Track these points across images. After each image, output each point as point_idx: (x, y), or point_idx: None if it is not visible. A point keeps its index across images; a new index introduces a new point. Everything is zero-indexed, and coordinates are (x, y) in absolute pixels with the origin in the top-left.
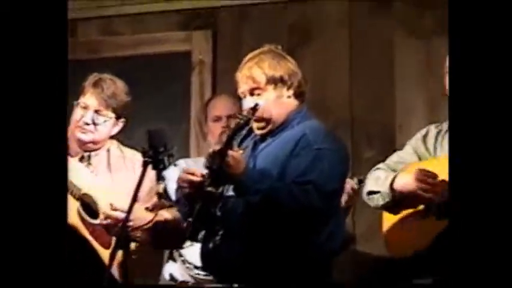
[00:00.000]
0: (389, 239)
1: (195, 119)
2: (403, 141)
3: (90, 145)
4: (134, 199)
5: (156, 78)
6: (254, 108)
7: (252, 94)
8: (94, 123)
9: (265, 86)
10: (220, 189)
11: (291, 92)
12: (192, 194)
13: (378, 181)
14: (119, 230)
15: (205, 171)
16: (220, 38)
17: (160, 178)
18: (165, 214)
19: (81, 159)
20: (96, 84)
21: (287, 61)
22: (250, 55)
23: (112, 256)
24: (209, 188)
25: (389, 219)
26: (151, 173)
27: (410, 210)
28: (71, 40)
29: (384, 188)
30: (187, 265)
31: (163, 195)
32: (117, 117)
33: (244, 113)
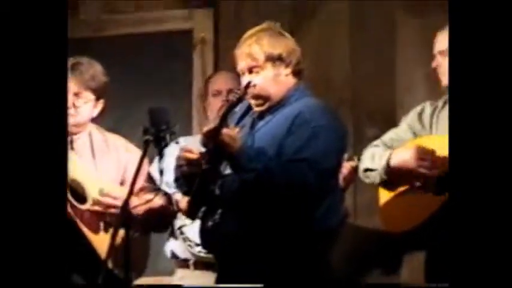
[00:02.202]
0: (386, 214)
1: (197, 97)
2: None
3: (73, 128)
4: (135, 179)
5: (157, 57)
6: (247, 86)
7: (250, 72)
8: (74, 106)
9: (264, 64)
10: (217, 168)
11: (289, 69)
12: (189, 172)
13: (374, 158)
14: (120, 211)
15: (202, 149)
16: (221, 15)
17: (161, 156)
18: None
19: None
20: (73, 68)
21: (286, 38)
22: (248, 32)
23: (113, 237)
24: (206, 166)
25: (385, 195)
26: (139, 157)
27: (406, 187)
28: (72, 19)
29: (381, 165)
30: (189, 243)
31: (162, 173)
32: (97, 99)
33: (238, 90)
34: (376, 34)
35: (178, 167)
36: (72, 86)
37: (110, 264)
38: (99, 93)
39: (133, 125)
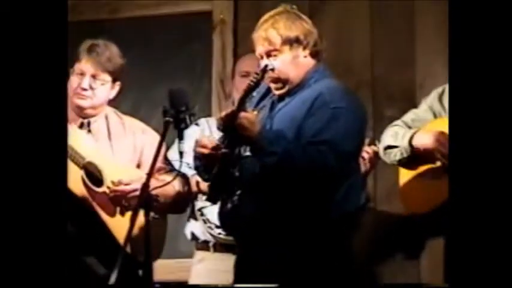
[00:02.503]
0: (406, 196)
1: (217, 78)
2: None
3: (89, 111)
4: (155, 161)
5: (177, 38)
6: (264, 70)
7: (268, 55)
8: (91, 88)
9: (281, 47)
10: (236, 151)
11: (307, 51)
12: (207, 163)
13: (397, 136)
14: (140, 193)
15: (219, 138)
16: None
17: (181, 137)
18: (168, 179)
19: (81, 126)
20: (90, 50)
21: (302, 21)
22: (265, 16)
23: (133, 220)
24: (224, 150)
25: (405, 176)
26: (156, 140)
27: (426, 168)
28: (91, 1)
29: (403, 143)
30: (209, 224)
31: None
32: (114, 81)
33: (256, 74)
34: (396, 16)
35: (195, 158)
36: (88, 68)
37: (128, 248)
38: (115, 75)
39: (152, 106)
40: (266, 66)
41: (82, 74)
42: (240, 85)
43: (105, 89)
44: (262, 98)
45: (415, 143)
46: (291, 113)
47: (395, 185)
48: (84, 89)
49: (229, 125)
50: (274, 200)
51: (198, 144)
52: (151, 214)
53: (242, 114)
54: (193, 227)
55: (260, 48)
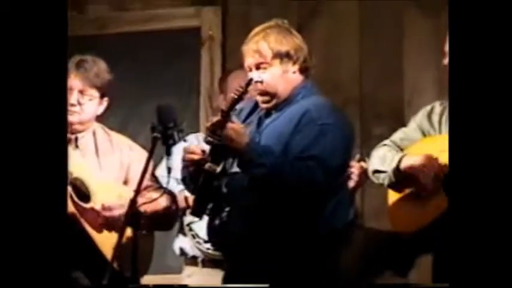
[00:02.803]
0: (394, 215)
1: (205, 94)
2: (411, 118)
3: (77, 126)
4: (142, 178)
5: (165, 54)
6: (248, 84)
7: (257, 68)
8: (79, 104)
9: (271, 61)
10: (221, 166)
11: (296, 67)
12: (194, 171)
13: (385, 160)
14: (127, 210)
15: (207, 148)
16: (229, 13)
17: (169, 153)
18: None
19: (68, 142)
20: (78, 66)
21: (293, 36)
22: (256, 29)
23: (120, 236)
24: (209, 165)
25: (394, 196)
26: (143, 156)
27: (414, 189)
28: (80, 16)
29: (391, 168)
30: (198, 239)
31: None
32: (101, 96)
33: (240, 88)
34: (384, 33)
35: (183, 167)
36: (76, 83)
37: (115, 264)
38: (103, 91)
39: (140, 122)
40: (251, 80)
41: (70, 89)
42: None
43: (93, 104)
44: (250, 113)
45: (402, 166)
46: (278, 129)
47: (383, 202)
48: (72, 105)
49: (216, 136)
50: (262, 216)
51: (186, 151)
52: (138, 232)
53: (229, 125)
54: (182, 243)
55: (250, 60)
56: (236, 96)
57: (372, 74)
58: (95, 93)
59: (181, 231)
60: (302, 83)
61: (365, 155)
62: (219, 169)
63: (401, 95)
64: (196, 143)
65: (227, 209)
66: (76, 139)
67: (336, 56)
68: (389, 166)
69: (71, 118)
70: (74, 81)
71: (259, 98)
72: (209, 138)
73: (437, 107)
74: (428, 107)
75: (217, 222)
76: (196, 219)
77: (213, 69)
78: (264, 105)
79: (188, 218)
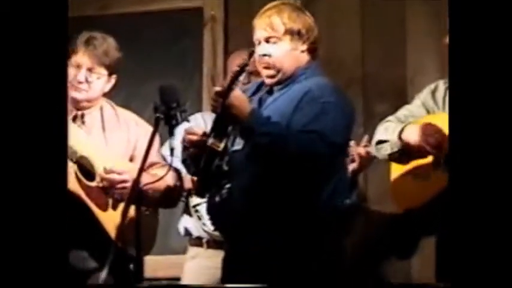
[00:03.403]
0: (396, 192)
1: (208, 74)
2: (415, 96)
3: (84, 103)
4: (146, 156)
5: (167, 35)
6: (250, 55)
7: (267, 41)
8: (87, 81)
9: (282, 36)
10: (224, 143)
11: (305, 46)
12: (195, 152)
13: (387, 131)
14: (131, 187)
15: (208, 129)
16: None
17: (172, 134)
18: (160, 173)
19: (74, 118)
20: (87, 43)
21: (305, 15)
22: (269, 5)
23: (124, 214)
24: (211, 141)
25: (397, 171)
26: (149, 133)
27: (417, 163)
28: None
29: (393, 137)
30: (203, 221)
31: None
32: (110, 74)
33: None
34: (386, 13)
35: (184, 148)
36: (85, 61)
37: (119, 243)
38: (112, 69)
39: (143, 102)
40: (253, 51)
41: (78, 66)
42: None
43: (101, 82)
44: (253, 94)
45: (404, 136)
46: (279, 108)
47: (386, 186)
48: (80, 82)
49: (219, 105)
50: (263, 192)
51: (187, 132)
52: (143, 209)
53: (232, 93)
54: (187, 223)
55: (260, 33)
56: (239, 68)
57: (374, 54)
58: (103, 72)
59: (187, 211)
60: (308, 63)
61: (368, 135)
62: (222, 145)
63: (404, 74)
64: (201, 121)
65: (227, 186)
66: (82, 115)
67: (338, 36)
68: (391, 135)
69: (78, 95)
70: (83, 59)
71: (265, 72)
72: (213, 108)
73: (442, 85)
74: (432, 85)
75: (217, 199)
76: (202, 200)
77: (216, 49)
78: (268, 80)
79: (194, 200)
